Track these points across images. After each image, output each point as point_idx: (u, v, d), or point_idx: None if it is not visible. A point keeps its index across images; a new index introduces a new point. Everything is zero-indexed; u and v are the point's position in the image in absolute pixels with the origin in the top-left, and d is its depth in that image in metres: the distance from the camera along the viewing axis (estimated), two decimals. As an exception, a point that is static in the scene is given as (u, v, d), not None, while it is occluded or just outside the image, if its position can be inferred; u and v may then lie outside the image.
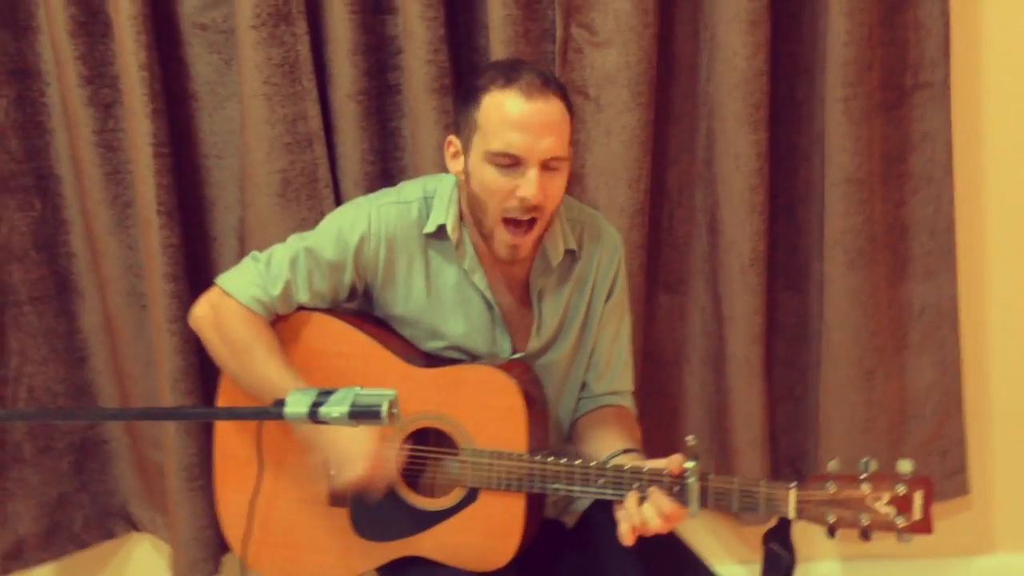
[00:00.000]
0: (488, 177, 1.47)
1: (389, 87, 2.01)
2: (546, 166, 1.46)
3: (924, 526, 1.33)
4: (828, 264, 2.05)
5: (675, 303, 2.16)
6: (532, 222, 1.48)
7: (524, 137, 1.43)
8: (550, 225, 1.59)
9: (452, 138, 1.56)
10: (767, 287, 2.06)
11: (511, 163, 1.45)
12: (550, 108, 1.46)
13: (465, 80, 1.53)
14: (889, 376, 2.14)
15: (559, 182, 1.50)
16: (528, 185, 1.44)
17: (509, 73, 1.47)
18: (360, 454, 1.48)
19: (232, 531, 1.65)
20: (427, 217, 1.58)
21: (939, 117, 2.06)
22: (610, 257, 1.68)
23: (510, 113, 1.44)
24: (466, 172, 1.52)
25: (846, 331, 2.06)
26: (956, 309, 2.14)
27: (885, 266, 2.10)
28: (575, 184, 2.01)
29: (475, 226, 1.54)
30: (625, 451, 1.52)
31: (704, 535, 2.30)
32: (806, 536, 2.22)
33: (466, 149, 1.51)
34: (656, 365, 2.17)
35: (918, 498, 1.32)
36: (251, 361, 1.55)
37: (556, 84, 1.50)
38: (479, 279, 1.59)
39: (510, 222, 1.48)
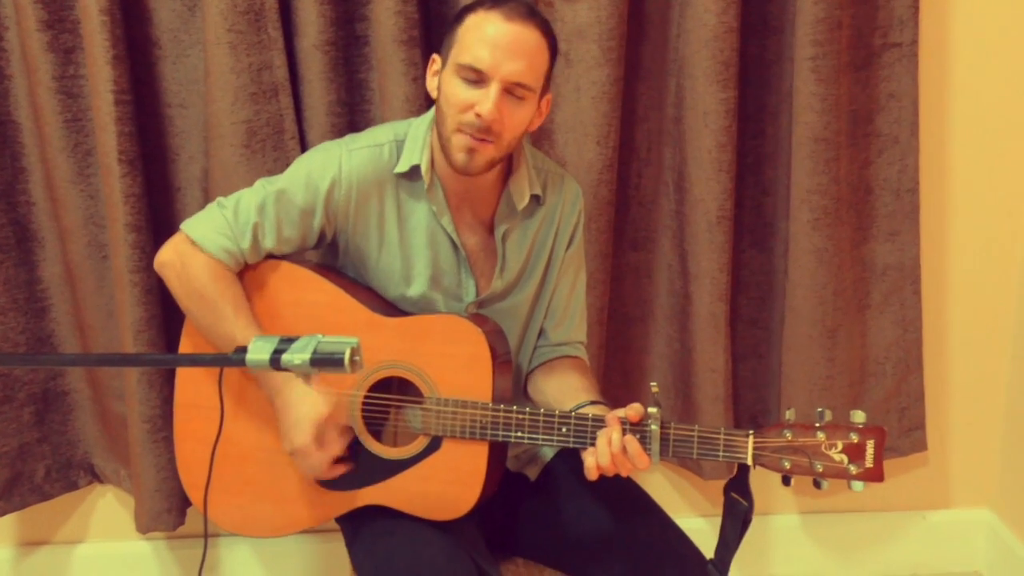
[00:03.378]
0: (452, 88, 1.49)
1: (356, 38, 1.98)
2: (510, 91, 1.48)
3: (875, 474, 1.36)
4: (794, 223, 2.06)
5: (642, 260, 2.17)
6: (484, 142, 1.49)
7: (493, 54, 1.45)
8: (517, 167, 1.61)
9: (435, 56, 1.57)
10: (733, 245, 2.08)
11: (476, 78, 1.47)
12: (527, 34, 1.48)
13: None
14: (851, 334, 2.16)
15: (521, 112, 1.51)
16: (485, 101, 1.46)
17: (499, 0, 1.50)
18: (307, 421, 1.48)
19: (190, 481, 1.65)
20: (398, 158, 1.59)
21: (907, 78, 2.07)
22: (572, 206, 1.70)
23: (486, 30, 1.46)
24: (439, 86, 1.53)
25: (810, 290, 2.08)
26: (918, 269, 2.17)
27: (849, 226, 2.12)
28: (543, 139, 2.01)
29: (437, 139, 1.55)
30: (592, 403, 1.53)
31: (667, 489, 2.34)
32: (764, 492, 2.27)
33: (444, 64, 1.53)
34: (622, 322, 2.19)
35: (870, 447, 1.36)
36: (217, 317, 1.54)
37: (542, 19, 1.52)
38: (447, 221, 1.60)
39: (464, 131, 1.49)
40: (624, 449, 1.39)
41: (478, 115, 1.46)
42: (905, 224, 2.14)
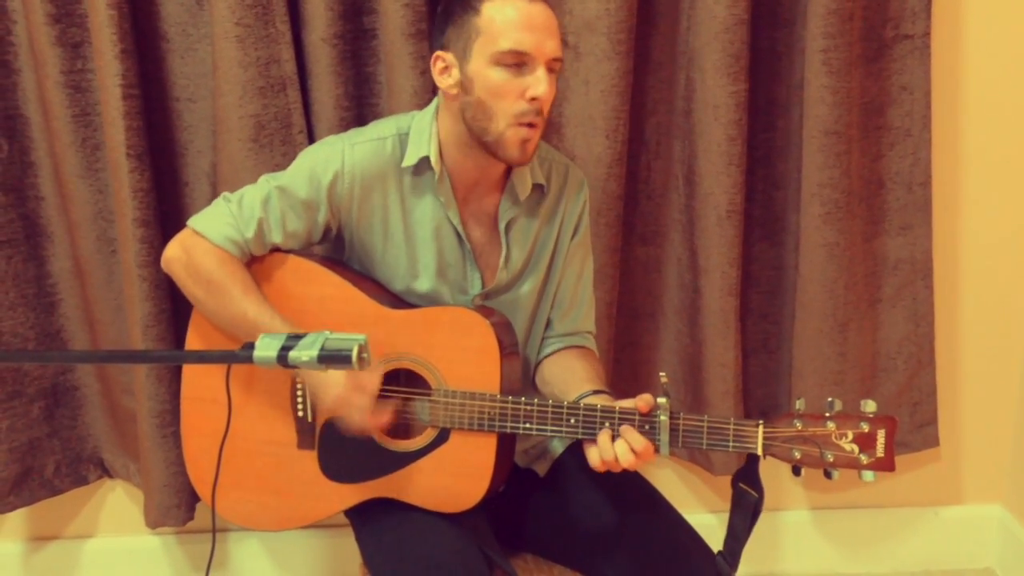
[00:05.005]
0: (496, 79, 1.47)
1: (365, 31, 1.98)
2: (550, 68, 1.49)
3: (886, 463, 1.35)
4: (804, 217, 2.05)
5: (651, 254, 2.16)
6: (534, 127, 1.50)
7: (533, 35, 1.46)
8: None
9: (440, 53, 1.53)
10: (743, 239, 2.06)
11: (519, 62, 1.46)
12: (548, 10, 1.50)
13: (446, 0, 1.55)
14: (862, 329, 2.15)
15: (556, 87, 1.52)
16: (539, 83, 1.46)
17: None
18: (337, 376, 1.48)
19: (198, 475, 1.65)
20: (401, 152, 1.58)
21: (919, 70, 2.05)
22: (577, 195, 1.70)
23: (517, 14, 1.46)
24: (464, 83, 1.50)
25: (821, 284, 2.06)
26: (930, 263, 2.15)
27: (861, 219, 2.10)
28: (552, 132, 2.00)
29: (476, 138, 1.52)
30: (595, 392, 1.53)
31: (676, 484, 2.33)
32: (775, 487, 2.26)
33: (464, 58, 1.50)
34: (631, 316, 2.18)
35: (881, 436, 1.35)
36: (227, 299, 1.54)
37: None
38: (452, 214, 1.59)
39: (521, 123, 1.48)
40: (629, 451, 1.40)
41: (534, 99, 1.46)
42: (917, 218, 2.13)
